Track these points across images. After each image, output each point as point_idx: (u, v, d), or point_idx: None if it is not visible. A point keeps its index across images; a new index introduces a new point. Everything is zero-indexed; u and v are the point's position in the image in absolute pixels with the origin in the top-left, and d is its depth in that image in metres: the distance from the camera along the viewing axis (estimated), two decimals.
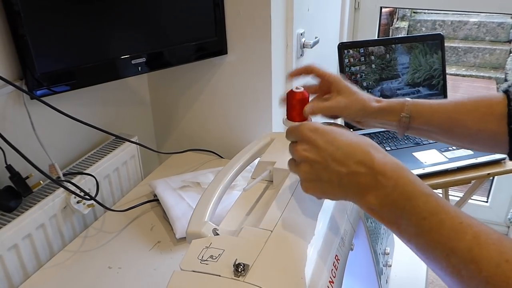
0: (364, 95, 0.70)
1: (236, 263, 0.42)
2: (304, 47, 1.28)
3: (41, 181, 0.92)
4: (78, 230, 1.00)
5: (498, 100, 0.59)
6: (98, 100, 1.12)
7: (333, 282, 0.46)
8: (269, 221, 0.49)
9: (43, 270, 0.88)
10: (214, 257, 0.44)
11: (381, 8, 1.79)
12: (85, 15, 0.89)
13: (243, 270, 0.42)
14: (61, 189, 0.93)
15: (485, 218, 2.11)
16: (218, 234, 0.48)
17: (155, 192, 1.04)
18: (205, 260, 0.44)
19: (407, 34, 3.65)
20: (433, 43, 1.50)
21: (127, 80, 1.22)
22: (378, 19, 1.80)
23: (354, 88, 0.68)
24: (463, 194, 1.69)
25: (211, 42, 1.11)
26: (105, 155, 1.06)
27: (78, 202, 0.94)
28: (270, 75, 1.12)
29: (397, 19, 3.72)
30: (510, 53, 3.59)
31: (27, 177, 0.89)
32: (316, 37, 1.32)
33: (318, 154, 0.46)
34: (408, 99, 0.64)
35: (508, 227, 2.14)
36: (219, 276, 0.42)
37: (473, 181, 1.50)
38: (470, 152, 1.31)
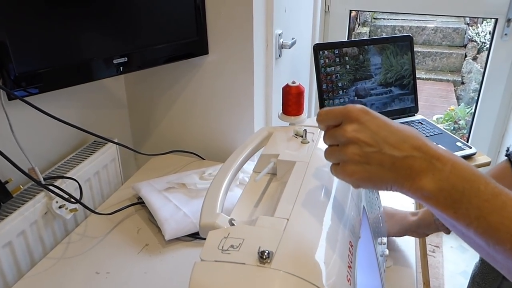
0: (400, 213, 0.77)
1: (260, 250, 0.42)
2: (282, 48, 1.29)
3: (21, 186, 0.88)
4: (59, 236, 0.95)
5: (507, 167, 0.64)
6: (74, 103, 1.09)
7: (350, 267, 0.47)
8: (284, 210, 0.49)
9: (24, 280, 0.83)
10: (235, 247, 0.44)
11: (350, 11, 1.83)
12: (65, 14, 0.86)
13: (268, 257, 0.41)
14: (42, 194, 0.89)
15: None
16: (234, 225, 0.48)
17: (140, 194, 1.02)
18: (226, 250, 0.43)
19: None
20: (403, 44, 1.55)
21: (103, 81, 1.19)
22: (347, 22, 1.85)
23: (388, 209, 0.76)
24: None
25: (192, 42, 1.10)
26: (85, 158, 1.03)
27: (60, 207, 0.91)
28: (252, 75, 1.12)
29: (359, 25, 3.83)
30: (465, 57, 3.77)
31: (7, 182, 0.85)
32: (293, 38, 1.33)
33: (371, 137, 0.44)
34: None
35: None
36: (244, 264, 0.41)
37: None
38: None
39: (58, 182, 0.93)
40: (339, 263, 0.45)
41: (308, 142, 0.64)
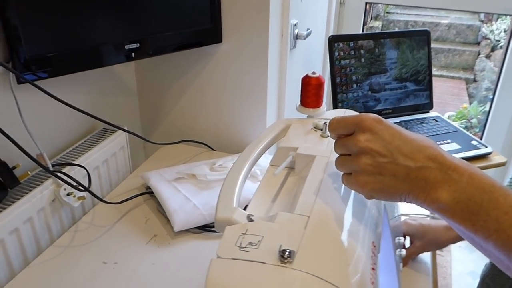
0: (433, 229, 0.77)
1: (281, 249, 0.40)
2: (297, 38, 1.26)
3: (28, 172, 0.86)
4: (66, 224, 0.94)
5: None
6: (83, 89, 1.06)
7: (374, 269, 0.44)
8: (304, 206, 0.47)
9: (30, 268, 0.82)
10: (253, 244, 0.41)
11: (366, 4, 1.79)
12: None
13: (289, 257, 0.39)
14: (50, 180, 0.87)
15: None
16: (252, 220, 0.45)
17: (149, 184, 1.00)
18: (244, 247, 0.41)
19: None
20: (420, 38, 1.51)
21: (113, 68, 1.16)
22: (362, 14, 1.81)
23: (417, 226, 0.79)
24: None
25: (206, 30, 1.07)
26: (94, 145, 1.01)
27: (68, 195, 0.89)
28: (266, 66, 1.10)
29: (371, 19, 3.78)
30: (478, 54, 3.71)
31: (14, 167, 0.83)
32: (308, 29, 1.30)
33: (384, 147, 0.43)
34: None
35: None
36: (264, 263, 0.39)
37: None
38: (457, 146, 1.34)
39: (66, 169, 0.91)
40: (363, 265, 0.43)
41: (328, 136, 0.61)
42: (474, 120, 2.95)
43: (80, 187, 0.88)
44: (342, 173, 0.47)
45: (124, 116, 1.25)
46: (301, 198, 0.48)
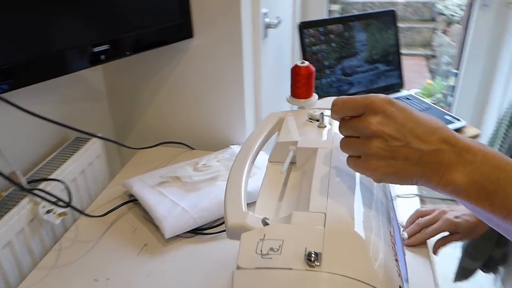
0: (478, 222, 0.80)
1: (307, 252, 0.37)
2: (268, 27, 1.23)
3: (2, 193, 0.80)
4: (48, 244, 0.88)
5: None
6: (49, 99, 1.00)
7: (397, 260, 0.43)
8: (318, 203, 0.44)
9: None
10: (275, 250, 0.39)
11: None
12: (35, 1, 0.77)
13: (317, 259, 0.37)
14: (26, 199, 0.81)
15: None
16: (268, 224, 0.43)
17: (132, 192, 0.95)
18: (266, 254, 0.38)
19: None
20: (387, 19, 1.52)
21: (80, 73, 1.10)
22: None
23: (469, 221, 0.81)
24: None
25: (176, 26, 1.02)
26: (69, 156, 0.95)
27: (47, 212, 0.83)
28: (241, 58, 1.06)
29: (330, 2, 3.78)
30: (434, 30, 3.80)
31: None
32: (278, 17, 1.28)
33: (397, 130, 0.41)
34: None
35: None
36: (291, 269, 0.37)
37: None
38: None
39: (42, 185, 0.85)
40: (389, 258, 0.41)
41: (325, 126, 0.59)
42: (439, 95, 3.02)
43: (61, 203, 0.82)
44: (347, 156, 0.46)
45: (95, 123, 1.19)
46: (313, 195, 0.46)
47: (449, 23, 3.74)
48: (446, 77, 3.13)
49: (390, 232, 0.46)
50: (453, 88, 2.03)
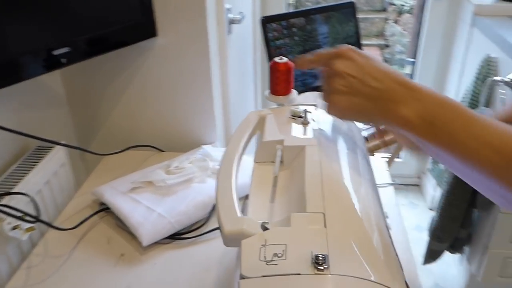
0: None
1: (313, 255, 0.36)
2: (232, 23, 1.21)
3: None
4: (15, 262, 0.83)
5: None
6: (6, 107, 0.93)
7: (393, 244, 0.42)
8: (315, 203, 0.43)
9: None
10: (279, 255, 0.37)
11: None
12: None
13: (325, 262, 0.36)
14: None
15: (400, 172, 2.28)
16: (268, 228, 0.41)
17: (103, 200, 0.91)
18: (271, 261, 0.37)
19: (295, 10, 3.76)
20: (346, 11, 1.53)
21: (37, 79, 1.03)
22: None
23: None
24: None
25: (139, 25, 0.98)
26: (32, 167, 0.90)
27: (14, 228, 0.78)
28: (208, 55, 1.04)
29: None
30: (386, 20, 3.89)
31: None
32: (241, 12, 1.26)
33: (356, 70, 0.49)
34: None
35: (419, 177, 2.34)
36: (299, 274, 0.35)
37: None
38: None
39: (6, 200, 0.80)
40: (391, 252, 0.41)
41: (309, 123, 0.58)
42: None
43: (28, 218, 0.77)
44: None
45: (56, 130, 1.13)
46: (308, 195, 0.45)
47: (400, 12, 3.84)
48: (401, 65, 3.22)
49: (386, 225, 0.46)
50: (410, 76, 2.09)
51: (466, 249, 1.73)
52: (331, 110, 0.52)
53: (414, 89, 0.47)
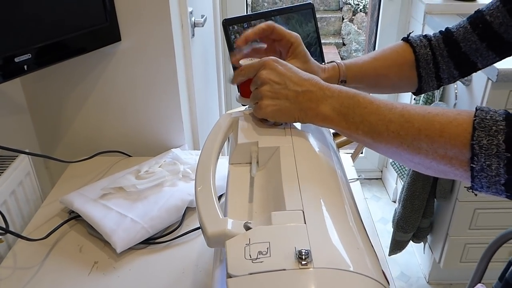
0: (315, 64, 0.74)
1: (297, 251, 0.38)
2: (195, 26, 1.22)
3: None
4: None
5: (405, 49, 0.75)
6: None
7: (372, 245, 0.45)
8: (294, 201, 0.45)
9: None
10: (264, 253, 0.39)
11: None
12: None
13: (308, 257, 0.38)
14: None
15: (362, 167, 2.35)
16: (250, 228, 0.43)
17: (73, 208, 0.90)
18: (256, 259, 0.39)
19: (252, 10, 3.78)
20: (305, 12, 1.56)
21: None
22: None
23: (309, 55, 0.71)
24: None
25: (102, 29, 0.97)
26: None
27: None
28: (173, 58, 1.04)
29: None
30: (342, 19, 3.99)
31: None
32: (203, 15, 1.26)
33: (279, 77, 0.57)
34: (340, 62, 0.77)
35: (381, 171, 2.42)
36: (285, 270, 0.37)
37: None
38: None
39: None
40: (367, 243, 0.44)
41: (281, 124, 0.60)
42: None
43: None
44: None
45: (18, 138, 1.10)
46: (286, 193, 0.47)
47: (354, 12, 3.95)
48: None
49: (359, 218, 0.49)
50: None
51: (429, 238, 1.81)
52: (259, 112, 0.58)
53: (327, 88, 0.56)
